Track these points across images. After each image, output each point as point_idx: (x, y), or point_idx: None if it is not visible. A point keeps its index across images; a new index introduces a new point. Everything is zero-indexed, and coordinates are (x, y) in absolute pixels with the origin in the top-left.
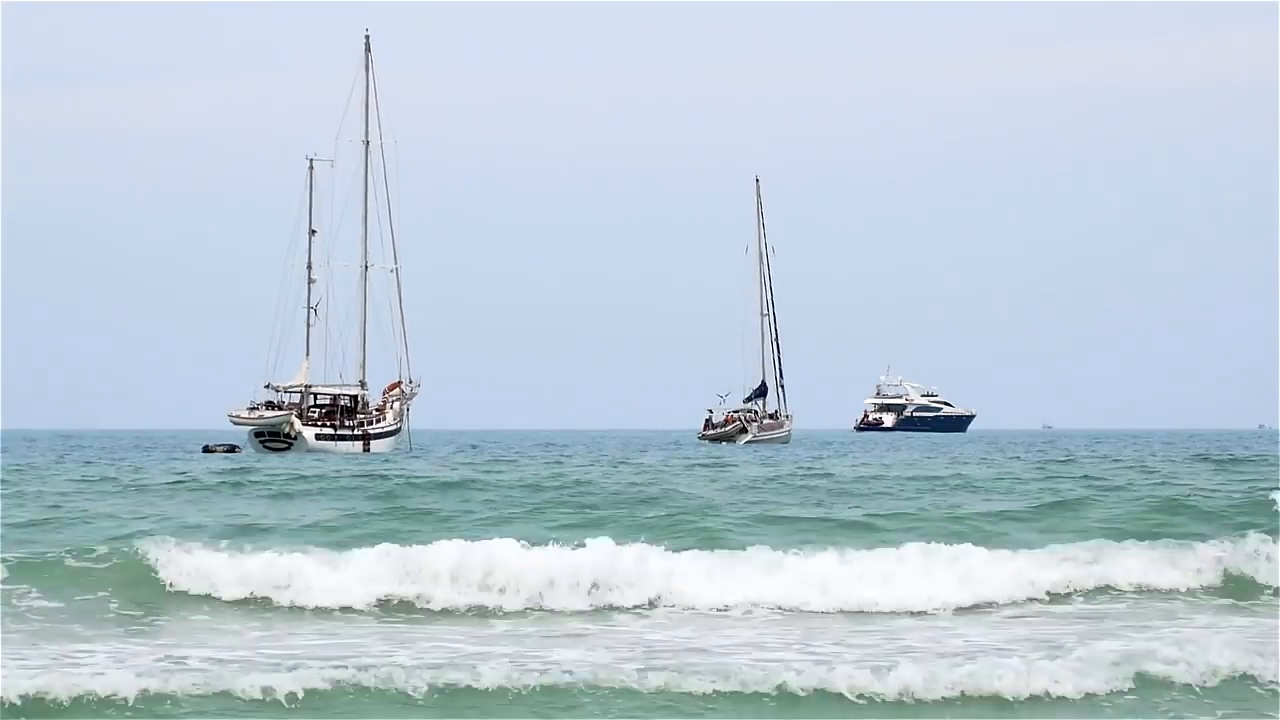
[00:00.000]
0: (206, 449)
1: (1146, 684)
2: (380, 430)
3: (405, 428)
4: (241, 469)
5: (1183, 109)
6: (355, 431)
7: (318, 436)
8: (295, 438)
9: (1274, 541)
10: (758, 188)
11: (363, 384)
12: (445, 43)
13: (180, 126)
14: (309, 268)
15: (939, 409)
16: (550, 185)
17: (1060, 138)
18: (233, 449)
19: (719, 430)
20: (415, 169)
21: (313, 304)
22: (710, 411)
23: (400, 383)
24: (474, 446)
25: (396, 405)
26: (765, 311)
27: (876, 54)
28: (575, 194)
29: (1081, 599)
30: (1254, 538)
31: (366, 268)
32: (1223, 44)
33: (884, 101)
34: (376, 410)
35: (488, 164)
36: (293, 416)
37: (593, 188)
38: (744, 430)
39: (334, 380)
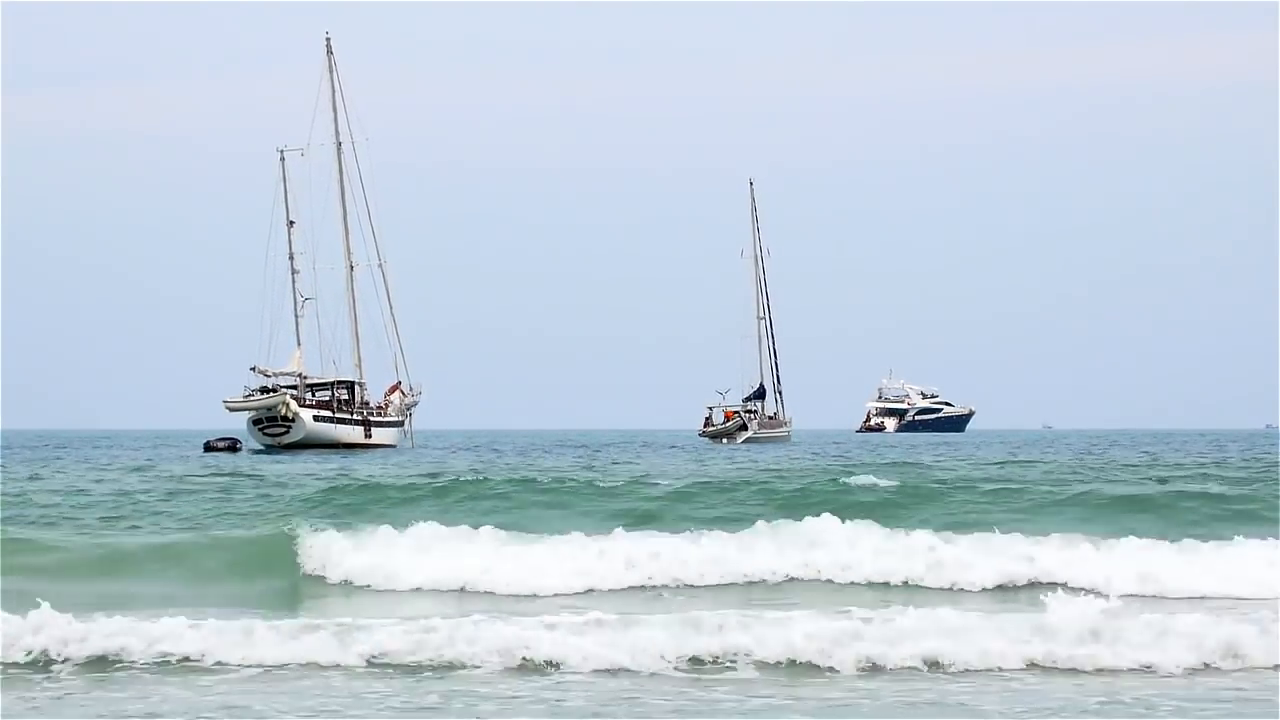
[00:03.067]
0: (208, 446)
1: None
2: (384, 419)
3: (409, 426)
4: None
5: (1183, 109)
6: (356, 416)
7: (315, 418)
8: (293, 420)
9: None
10: (751, 191)
11: (361, 384)
12: (432, 41)
13: (180, 126)
14: (291, 258)
15: (939, 409)
16: (544, 185)
17: (1060, 138)
18: (234, 447)
19: (719, 427)
20: (406, 169)
21: (299, 294)
22: (710, 409)
23: (400, 384)
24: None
25: (397, 403)
26: (761, 314)
27: (874, 54)
28: (570, 194)
29: None
30: None
31: (352, 267)
32: (1223, 44)
33: (883, 102)
34: (378, 408)
35: (482, 164)
36: (288, 397)
37: (588, 188)
38: (744, 427)
39: (329, 374)
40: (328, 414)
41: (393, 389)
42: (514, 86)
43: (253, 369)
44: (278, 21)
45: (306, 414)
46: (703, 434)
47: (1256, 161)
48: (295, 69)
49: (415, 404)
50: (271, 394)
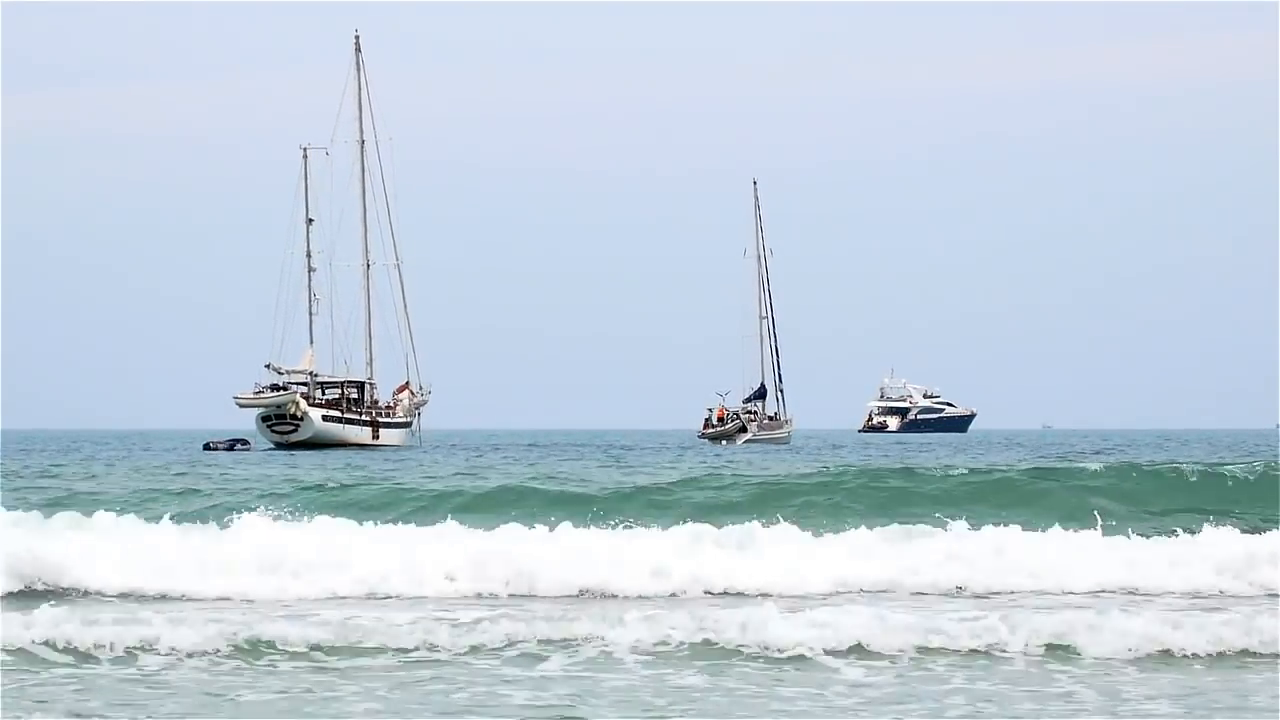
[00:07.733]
0: (207, 446)
1: None
2: (391, 420)
3: (417, 425)
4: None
5: (1183, 109)
6: (364, 416)
7: (325, 418)
8: (301, 419)
9: None
10: (755, 191)
11: (371, 383)
12: (443, 42)
13: (180, 126)
14: (308, 255)
15: (941, 409)
16: (550, 185)
17: (1060, 138)
18: (234, 445)
19: (719, 429)
20: (415, 168)
21: (315, 292)
22: (710, 410)
23: (409, 384)
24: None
25: (406, 403)
26: (764, 314)
27: (876, 54)
28: (576, 194)
29: None
30: None
31: (369, 265)
32: (1223, 44)
33: (884, 101)
34: (386, 408)
35: (488, 164)
36: (298, 396)
37: (594, 188)
38: (744, 429)
39: (340, 374)
40: (336, 414)
41: (401, 388)
42: (508, 87)
43: (268, 366)
44: (283, 23)
45: (315, 413)
46: (702, 435)
47: (1256, 161)
48: (301, 71)
49: (424, 403)
50: (283, 392)
